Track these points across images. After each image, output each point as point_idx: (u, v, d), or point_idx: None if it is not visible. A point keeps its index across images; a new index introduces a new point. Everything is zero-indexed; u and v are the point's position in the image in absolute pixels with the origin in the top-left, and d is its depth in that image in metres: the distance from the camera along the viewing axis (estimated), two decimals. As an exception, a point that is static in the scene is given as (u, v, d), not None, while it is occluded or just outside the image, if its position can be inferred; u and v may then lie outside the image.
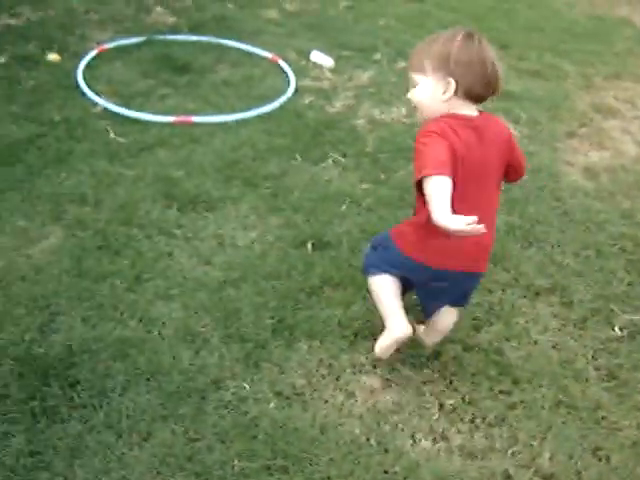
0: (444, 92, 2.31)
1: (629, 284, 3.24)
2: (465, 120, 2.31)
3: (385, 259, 2.53)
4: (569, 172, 4.10)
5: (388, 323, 2.53)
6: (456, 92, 2.30)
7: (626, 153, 4.41)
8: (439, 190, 2.15)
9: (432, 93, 2.33)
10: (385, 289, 2.54)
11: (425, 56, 2.33)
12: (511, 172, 2.49)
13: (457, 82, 2.28)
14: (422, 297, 2.67)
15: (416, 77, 2.37)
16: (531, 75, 5.33)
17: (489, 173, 2.38)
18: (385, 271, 2.53)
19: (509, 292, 3.10)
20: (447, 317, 2.65)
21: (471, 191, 2.29)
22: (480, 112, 2.38)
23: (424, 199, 2.21)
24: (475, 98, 2.33)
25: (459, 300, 2.62)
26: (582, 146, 4.43)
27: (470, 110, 2.35)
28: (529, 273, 3.22)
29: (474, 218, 2.04)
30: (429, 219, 2.16)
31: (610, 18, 7.10)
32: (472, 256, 2.43)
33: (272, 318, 2.79)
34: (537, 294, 3.12)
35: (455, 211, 2.10)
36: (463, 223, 2.04)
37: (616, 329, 3.00)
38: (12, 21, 5.21)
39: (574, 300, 3.10)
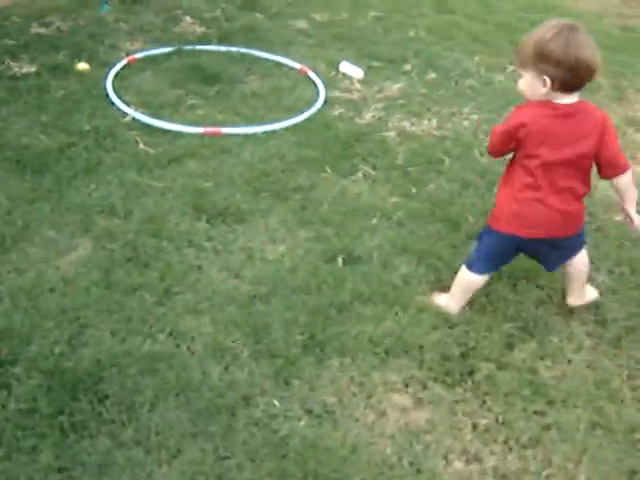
0: (542, 87, 2.56)
1: (666, 303, 3.18)
2: (552, 109, 2.59)
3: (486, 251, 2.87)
4: (602, 187, 4.01)
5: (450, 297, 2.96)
6: (553, 87, 2.54)
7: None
8: None
9: (532, 86, 2.61)
10: (471, 286, 2.93)
11: (526, 51, 2.58)
12: (603, 165, 2.69)
13: (552, 79, 2.52)
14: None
15: (520, 70, 2.64)
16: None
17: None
18: (483, 272, 2.90)
19: (542, 309, 3.04)
20: (576, 264, 2.96)
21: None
22: (579, 101, 2.60)
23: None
24: (571, 89, 2.57)
25: (569, 255, 2.92)
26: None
27: (568, 99, 2.58)
28: (564, 290, 3.16)
29: None
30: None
31: (640, 29, 7.02)
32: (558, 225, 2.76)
33: (302, 334, 2.75)
34: (571, 312, 3.06)
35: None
36: None
37: (656, 350, 2.94)
38: (42, 30, 5.23)
39: (608, 318, 3.04)
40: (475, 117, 4.62)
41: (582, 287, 3.05)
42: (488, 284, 3.01)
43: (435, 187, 3.77)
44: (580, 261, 2.96)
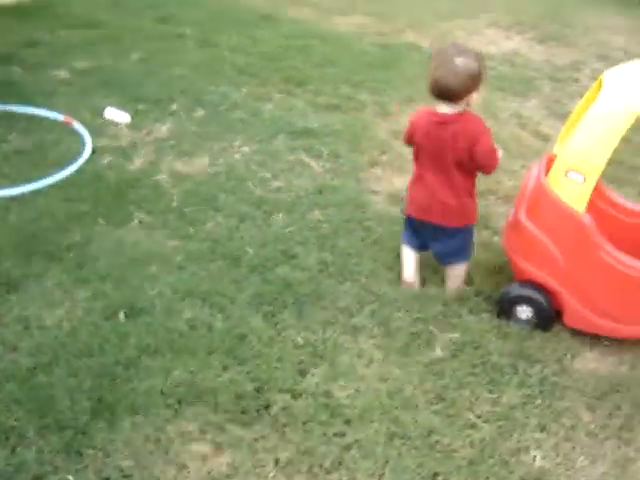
0: None
1: (444, 304, 3.33)
2: (432, 115, 3.16)
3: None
4: (375, 201, 4.19)
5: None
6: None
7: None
8: None
9: None
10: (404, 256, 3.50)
11: None
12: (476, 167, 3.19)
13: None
14: None
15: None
16: (329, 109, 5.44)
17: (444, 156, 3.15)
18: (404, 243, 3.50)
19: (330, 330, 3.10)
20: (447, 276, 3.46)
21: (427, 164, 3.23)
22: (450, 116, 3.10)
23: None
24: (436, 98, 3.11)
25: (446, 256, 3.40)
26: (385, 173, 4.56)
27: (442, 108, 3.12)
28: (348, 308, 3.24)
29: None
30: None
31: (398, 45, 7.39)
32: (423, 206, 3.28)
33: (89, 399, 2.63)
34: (357, 328, 3.14)
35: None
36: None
37: (438, 350, 3.06)
38: None
39: (394, 328, 3.15)
40: (246, 149, 4.66)
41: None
42: (273, 315, 3.04)
43: (213, 225, 3.76)
44: (450, 281, 3.45)
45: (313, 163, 4.54)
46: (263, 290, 3.27)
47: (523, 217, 3.19)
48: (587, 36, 8.46)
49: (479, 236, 3.85)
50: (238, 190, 4.15)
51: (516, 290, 3.27)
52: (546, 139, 5.38)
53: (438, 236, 3.34)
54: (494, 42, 7.88)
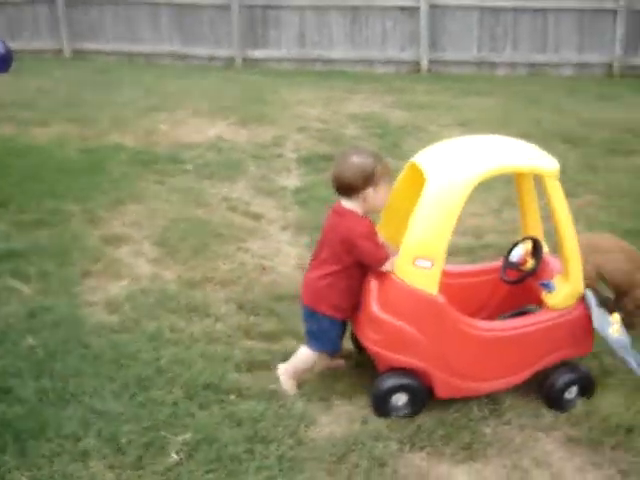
0: None
1: (174, 404, 3.28)
2: (336, 205, 3.44)
3: None
4: (92, 312, 4.08)
5: None
6: None
7: (142, 275, 4.54)
8: None
9: None
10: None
11: None
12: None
13: None
14: None
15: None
16: (34, 226, 5.20)
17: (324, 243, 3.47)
18: None
19: (58, 462, 2.93)
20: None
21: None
22: (342, 209, 3.38)
23: None
24: (336, 192, 3.41)
25: (309, 336, 3.54)
26: (100, 282, 4.45)
27: (343, 201, 3.40)
28: (74, 433, 3.09)
29: None
30: None
31: (103, 147, 7.30)
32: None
33: None
34: (86, 452, 3.00)
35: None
36: None
37: (172, 455, 3.01)
38: None
39: (124, 443, 3.04)
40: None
41: (293, 371, 3.52)
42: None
43: None
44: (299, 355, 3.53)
45: (21, 286, 4.33)
46: (-23, 437, 3.04)
47: (379, 312, 3.29)
48: (285, 112, 8.92)
49: (200, 324, 3.90)
50: None
51: (387, 381, 3.34)
52: (257, 218, 5.58)
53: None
54: (199, 130, 8.06)
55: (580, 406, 3.40)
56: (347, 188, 3.34)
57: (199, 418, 3.23)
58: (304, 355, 3.50)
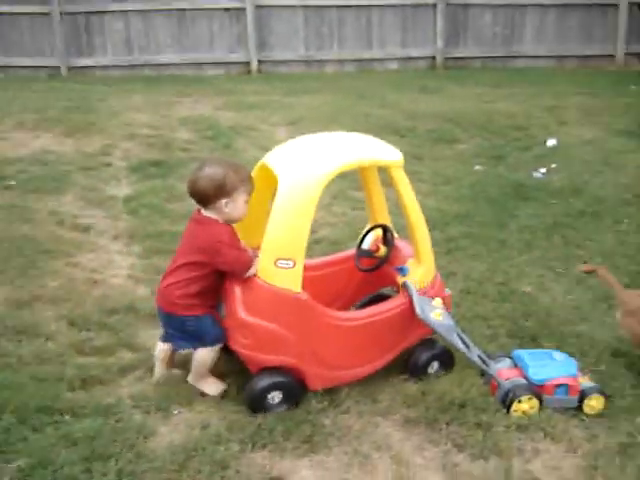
0: None
1: (6, 430, 3.11)
2: (196, 212, 3.41)
3: None
4: None
5: None
6: None
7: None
8: None
9: None
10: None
11: None
12: None
13: None
14: None
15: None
16: None
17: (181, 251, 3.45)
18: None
19: None
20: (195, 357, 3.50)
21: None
22: (202, 217, 3.36)
23: None
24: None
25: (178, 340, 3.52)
26: None
27: (202, 210, 3.37)
28: None
29: None
30: None
31: None
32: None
33: None
34: None
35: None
36: None
37: (5, 483, 2.86)
38: None
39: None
40: None
41: (199, 376, 3.49)
42: None
43: None
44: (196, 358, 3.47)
45: None
46: None
47: (246, 316, 3.28)
48: (113, 120, 8.69)
49: (30, 345, 3.73)
50: None
51: (261, 382, 3.33)
52: (86, 230, 5.41)
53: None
54: (23, 144, 7.70)
55: (415, 387, 3.51)
56: (200, 199, 3.33)
57: (32, 442, 3.07)
58: (201, 356, 3.45)
